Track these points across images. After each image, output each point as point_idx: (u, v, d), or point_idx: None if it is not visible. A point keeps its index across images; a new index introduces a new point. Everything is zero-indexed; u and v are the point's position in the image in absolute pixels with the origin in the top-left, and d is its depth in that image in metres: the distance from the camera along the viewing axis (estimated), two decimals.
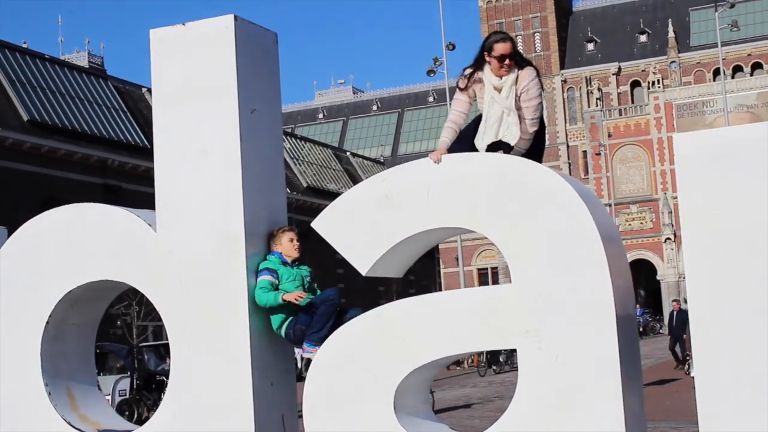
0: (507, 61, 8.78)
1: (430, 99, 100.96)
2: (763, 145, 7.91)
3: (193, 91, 9.11)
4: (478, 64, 8.90)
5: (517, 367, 8.54)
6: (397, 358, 8.51)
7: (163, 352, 28.64)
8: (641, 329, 67.84)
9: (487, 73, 8.82)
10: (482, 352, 38.98)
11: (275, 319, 8.92)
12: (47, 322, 9.59)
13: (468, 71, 8.89)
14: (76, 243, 9.59)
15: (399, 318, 8.65)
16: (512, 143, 8.77)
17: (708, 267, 7.99)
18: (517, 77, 8.85)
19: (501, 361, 44.01)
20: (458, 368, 47.47)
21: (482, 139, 8.73)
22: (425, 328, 8.53)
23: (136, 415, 24.85)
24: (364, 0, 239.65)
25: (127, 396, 26.49)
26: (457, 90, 8.96)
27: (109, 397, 24.55)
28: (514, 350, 8.47)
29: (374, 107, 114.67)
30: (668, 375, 27.82)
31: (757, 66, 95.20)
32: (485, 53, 8.85)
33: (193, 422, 8.94)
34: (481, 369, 41.82)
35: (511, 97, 8.80)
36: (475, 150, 8.77)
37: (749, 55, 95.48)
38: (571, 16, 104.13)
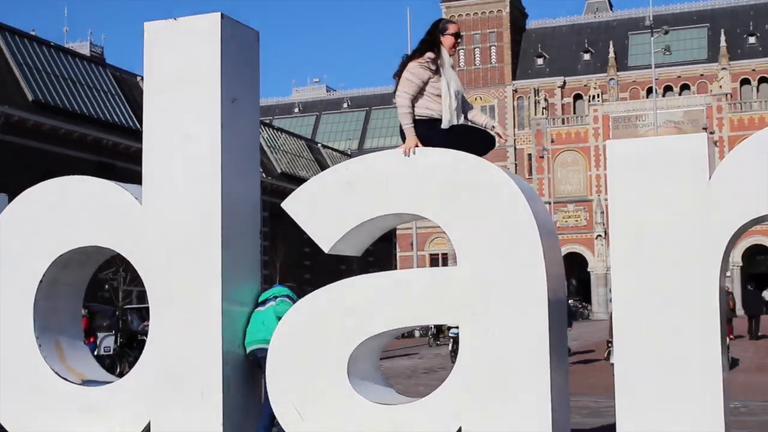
0: (454, 39, 8.75)
1: (395, 100, 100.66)
2: (683, 155, 7.99)
3: (180, 80, 9.08)
4: (433, 45, 8.72)
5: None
6: (351, 329, 8.52)
7: (144, 314, 28.53)
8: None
9: (446, 56, 8.74)
10: (430, 326, 39.14)
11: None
12: (41, 281, 9.54)
13: (432, 55, 8.64)
14: (70, 211, 9.54)
15: (354, 292, 8.67)
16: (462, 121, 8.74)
17: (631, 261, 8.07)
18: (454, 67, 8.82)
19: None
20: (410, 338, 47.74)
21: (448, 118, 8.59)
22: (378, 303, 8.55)
23: (118, 369, 24.77)
24: (341, 7, 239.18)
25: (111, 352, 26.41)
26: (416, 69, 8.60)
27: (96, 352, 24.42)
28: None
29: (345, 105, 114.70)
30: (593, 356, 27.91)
31: (685, 87, 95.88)
32: (442, 37, 8.75)
33: (167, 377, 8.92)
34: (430, 341, 41.97)
35: (457, 79, 8.77)
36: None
37: (679, 77, 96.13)
38: (524, 33, 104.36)
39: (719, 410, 7.74)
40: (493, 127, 9.05)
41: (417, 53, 8.75)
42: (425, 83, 8.66)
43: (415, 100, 8.68)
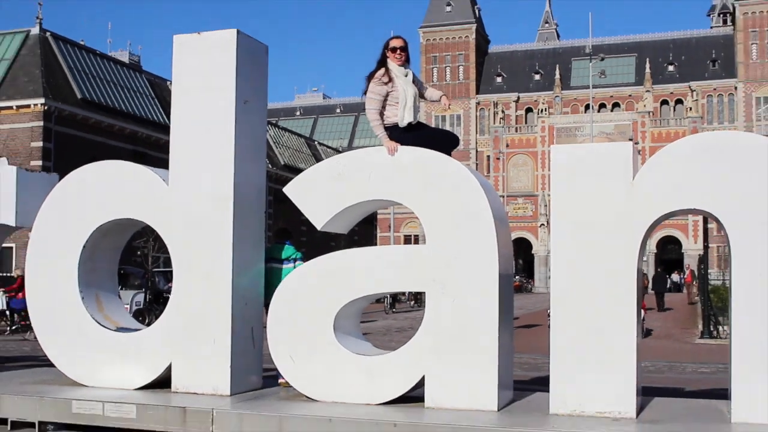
0: (399, 52, 8.66)
1: None
2: (612, 159, 8.02)
3: (202, 83, 9.06)
4: (384, 63, 8.66)
5: (415, 308, 8.53)
6: (337, 292, 8.54)
7: (169, 276, 28.33)
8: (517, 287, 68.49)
9: (394, 67, 8.64)
10: (386, 297, 38.89)
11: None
12: (84, 246, 9.54)
13: (383, 71, 8.57)
14: (109, 189, 9.53)
15: (341, 263, 8.69)
16: (415, 121, 8.66)
17: (567, 245, 8.10)
18: (409, 74, 8.73)
19: (402, 300, 45.22)
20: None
21: (403, 117, 8.54)
22: (360, 272, 8.58)
23: (147, 321, 24.70)
24: (337, 28, 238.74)
25: (141, 306, 26.31)
26: (374, 87, 8.54)
27: (127, 306, 24.28)
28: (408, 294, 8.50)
29: (338, 110, 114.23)
30: (535, 321, 27.96)
31: (616, 105, 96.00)
32: (387, 52, 8.67)
33: (186, 327, 8.93)
34: (387, 309, 41.66)
35: (413, 87, 8.69)
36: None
37: (611, 96, 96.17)
38: (487, 56, 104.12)
39: (633, 368, 7.81)
40: (442, 96, 9.06)
41: (373, 73, 8.69)
42: (386, 96, 8.61)
43: (384, 109, 8.65)
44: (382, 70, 8.63)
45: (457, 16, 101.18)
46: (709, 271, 32.26)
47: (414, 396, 8.25)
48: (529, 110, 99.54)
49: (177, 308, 9.06)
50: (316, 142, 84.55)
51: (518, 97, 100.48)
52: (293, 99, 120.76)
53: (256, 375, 9.28)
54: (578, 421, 7.54)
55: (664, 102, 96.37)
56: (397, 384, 8.26)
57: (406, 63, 8.76)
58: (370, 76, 8.68)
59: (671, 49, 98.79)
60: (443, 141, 8.89)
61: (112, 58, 56.25)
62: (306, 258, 9.14)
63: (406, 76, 8.68)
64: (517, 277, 74.36)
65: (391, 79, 8.60)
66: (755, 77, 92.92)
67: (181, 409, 8.10)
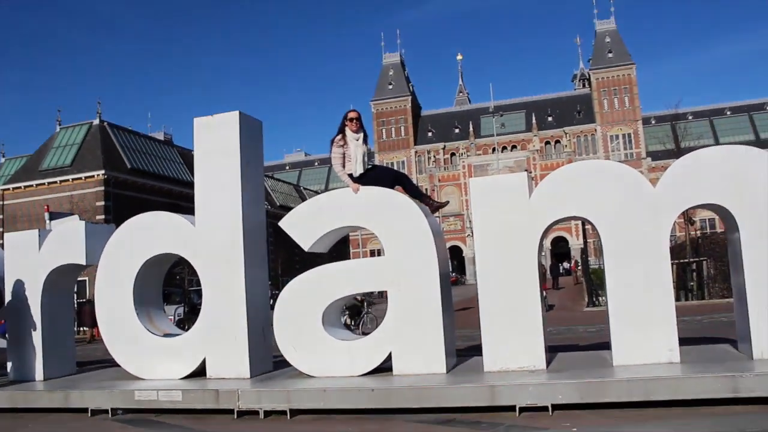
0: (355, 121, 8.59)
1: None
2: (513, 184, 8.03)
3: (216, 152, 8.91)
4: (342, 130, 8.59)
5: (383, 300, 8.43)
6: (323, 295, 8.41)
7: (201, 293, 28.22)
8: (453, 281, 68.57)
9: (349, 133, 8.59)
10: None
11: None
12: (136, 275, 9.33)
13: (340, 137, 8.53)
14: (153, 232, 9.33)
15: (325, 273, 8.53)
16: (364, 169, 8.56)
17: (486, 248, 8.04)
18: (363, 137, 8.68)
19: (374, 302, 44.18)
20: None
21: (356, 170, 8.47)
22: (339, 278, 8.47)
23: (186, 328, 24.33)
24: (315, 102, 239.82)
25: (182, 317, 25.89)
26: (335, 150, 8.53)
27: (171, 318, 23.89)
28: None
29: (316, 163, 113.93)
30: (468, 305, 27.88)
31: (513, 146, 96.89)
32: (346, 122, 8.60)
33: (213, 329, 8.74)
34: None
35: (363, 147, 8.65)
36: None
37: (510, 141, 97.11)
38: (420, 117, 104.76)
39: (540, 332, 7.77)
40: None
41: (334, 138, 8.62)
42: (344, 154, 8.55)
43: (345, 164, 8.54)
44: (340, 136, 8.58)
45: (397, 92, 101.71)
46: (589, 258, 32.47)
47: (384, 367, 8.12)
48: (452, 154, 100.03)
49: (207, 317, 8.85)
50: (301, 188, 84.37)
51: (444, 146, 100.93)
52: (283, 157, 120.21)
53: (268, 361, 9.08)
54: (505, 375, 7.46)
55: (547, 142, 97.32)
56: (372, 359, 8.13)
57: (359, 128, 8.66)
58: (333, 141, 8.62)
59: (549, 105, 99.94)
60: (387, 176, 8.78)
61: (152, 137, 55.97)
62: (298, 273, 8.98)
63: (357, 140, 8.59)
64: (453, 273, 74.48)
65: (346, 143, 8.55)
66: (608, 122, 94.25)
67: (214, 391, 7.91)
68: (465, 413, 6.99)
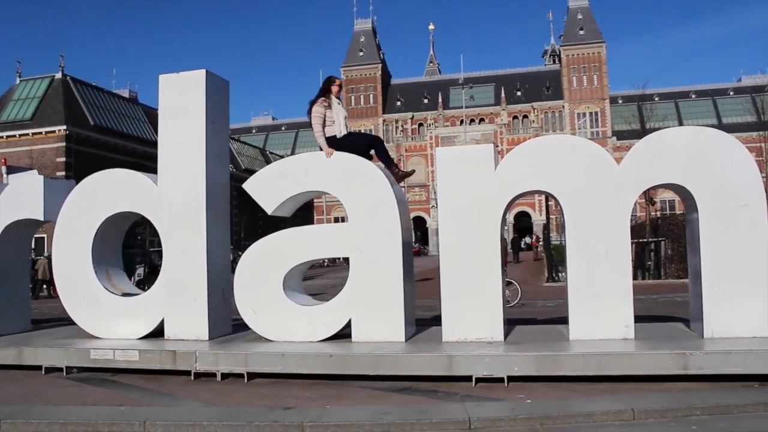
0: (338, 88, 8.66)
1: None
2: (479, 156, 8.03)
3: (181, 111, 8.75)
4: (325, 92, 8.58)
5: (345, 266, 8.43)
6: (285, 259, 8.37)
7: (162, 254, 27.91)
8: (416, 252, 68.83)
9: (333, 98, 8.59)
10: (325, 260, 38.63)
11: None
12: (96, 232, 9.17)
13: (324, 97, 8.52)
14: (114, 190, 9.16)
15: (288, 237, 8.48)
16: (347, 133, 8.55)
17: (450, 220, 8.06)
18: (341, 102, 8.75)
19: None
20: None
21: (341, 131, 8.43)
22: (301, 243, 8.43)
23: (146, 288, 24.12)
24: (284, 65, 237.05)
25: (142, 277, 25.56)
26: (318, 109, 8.47)
27: (131, 278, 23.63)
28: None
29: (283, 127, 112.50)
30: (430, 276, 28.03)
31: (482, 119, 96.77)
32: (331, 86, 8.62)
33: (173, 291, 8.66)
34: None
35: (344, 110, 8.68)
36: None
37: (478, 114, 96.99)
38: (390, 86, 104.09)
39: (499, 305, 7.85)
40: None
41: (316, 98, 8.58)
42: (324, 116, 8.50)
43: (324, 126, 8.48)
44: (324, 97, 8.56)
45: (368, 59, 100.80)
46: (551, 234, 32.82)
47: (344, 334, 8.14)
48: (420, 125, 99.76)
49: (167, 277, 8.76)
50: (268, 152, 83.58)
51: (413, 116, 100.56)
52: (250, 120, 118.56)
53: (227, 324, 9.04)
54: (463, 346, 7.53)
55: (515, 117, 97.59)
56: (331, 325, 8.15)
57: (339, 94, 8.73)
58: (314, 101, 8.56)
59: (518, 80, 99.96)
60: (362, 141, 8.74)
61: (116, 94, 54.92)
62: (261, 237, 8.91)
63: (339, 103, 8.65)
64: (416, 244, 74.75)
65: (329, 105, 8.52)
66: (576, 99, 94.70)
67: (172, 352, 7.86)
68: (422, 382, 7.06)
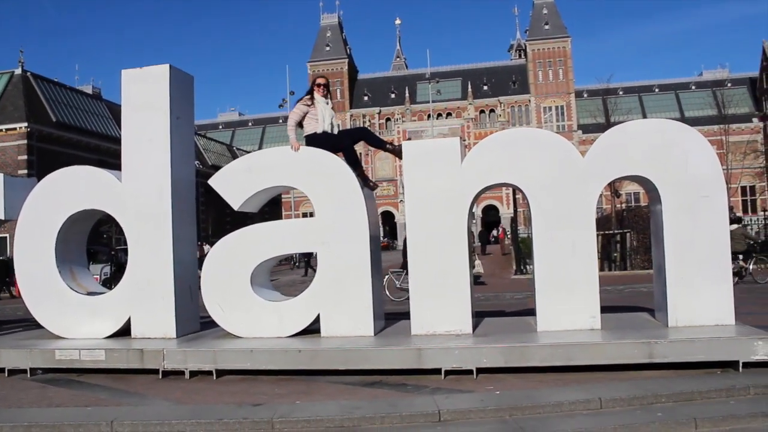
0: (323, 88, 8.67)
1: (280, 121, 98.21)
2: (446, 149, 8.06)
3: (145, 106, 8.61)
4: (310, 92, 8.65)
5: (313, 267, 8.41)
6: (252, 255, 8.31)
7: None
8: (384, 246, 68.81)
9: (317, 96, 8.60)
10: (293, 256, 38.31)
11: None
12: (59, 231, 9.01)
13: (308, 97, 8.58)
14: (78, 187, 9.00)
15: (255, 233, 8.42)
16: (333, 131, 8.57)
17: (417, 213, 8.07)
18: (329, 102, 8.76)
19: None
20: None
21: (320, 128, 8.43)
22: (269, 239, 8.38)
23: (113, 287, 23.77)
24: (250, 62, 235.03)
25: (108, 276, 25.18)
26: (299, 106, 8.56)
27: (97, 277, 23.22)
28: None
29: (250, 123, 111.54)
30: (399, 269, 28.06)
31: (449, 114, 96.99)
32: (314, 87, 8.66)
33: (139, 288, 8.55)
34: (293, 265, 40.80)
35: (332, 111, 8.69)
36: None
37: (445, 108, 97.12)
38: (356, 81, 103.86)
39: (468, 298, 7.88)
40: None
41: (302, 98, 8.65)
42: (305, 114, 8.52)
43: (302, 124, 8.55)
44: (308, 96, 8.62)
45: (334, 54, 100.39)
46: (518, 228, 33.07)
47: (313, 329, 8.11)
48: (388, 119, 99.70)
49: (132, 275, 8.64)
50: (234, 148, 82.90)
51: (380, 111, 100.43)
52: (216, 116, 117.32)
53: (195, 321, 8.96)
54: (432, 339, 7.56)
55: (482, 111, 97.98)
56: (300, 321, 8.11)
57: (327, 94, 8.75)
58: (301, 99, 8.68)
59: (485, 74, 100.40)
60: (346, 135, 8.74)
61: (79, 91, 53.94)
62: (228, 233, 8.84)
63: (326, 103, 8.68)
64: (385, 238, 74.74)
65: (313, 104, 8.56)
66: (542, 93, 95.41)
67: (139, 350, 7.77)
68: (391, 375, 7.07)
